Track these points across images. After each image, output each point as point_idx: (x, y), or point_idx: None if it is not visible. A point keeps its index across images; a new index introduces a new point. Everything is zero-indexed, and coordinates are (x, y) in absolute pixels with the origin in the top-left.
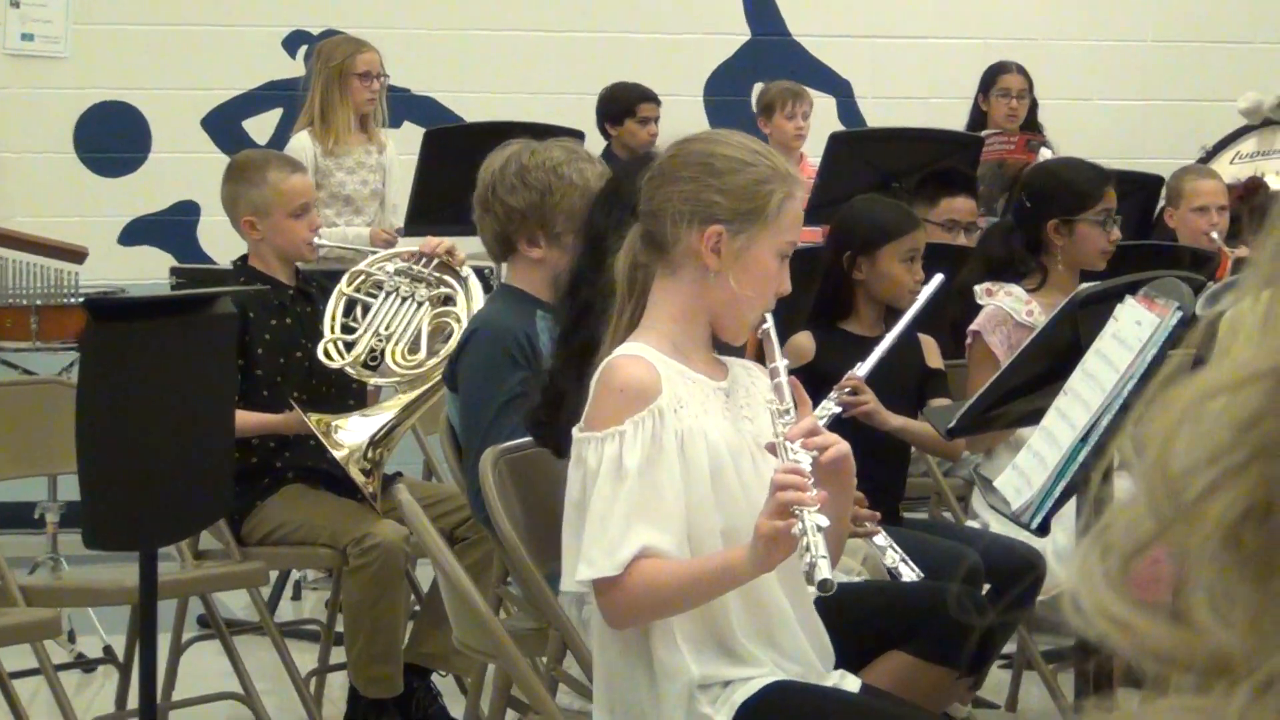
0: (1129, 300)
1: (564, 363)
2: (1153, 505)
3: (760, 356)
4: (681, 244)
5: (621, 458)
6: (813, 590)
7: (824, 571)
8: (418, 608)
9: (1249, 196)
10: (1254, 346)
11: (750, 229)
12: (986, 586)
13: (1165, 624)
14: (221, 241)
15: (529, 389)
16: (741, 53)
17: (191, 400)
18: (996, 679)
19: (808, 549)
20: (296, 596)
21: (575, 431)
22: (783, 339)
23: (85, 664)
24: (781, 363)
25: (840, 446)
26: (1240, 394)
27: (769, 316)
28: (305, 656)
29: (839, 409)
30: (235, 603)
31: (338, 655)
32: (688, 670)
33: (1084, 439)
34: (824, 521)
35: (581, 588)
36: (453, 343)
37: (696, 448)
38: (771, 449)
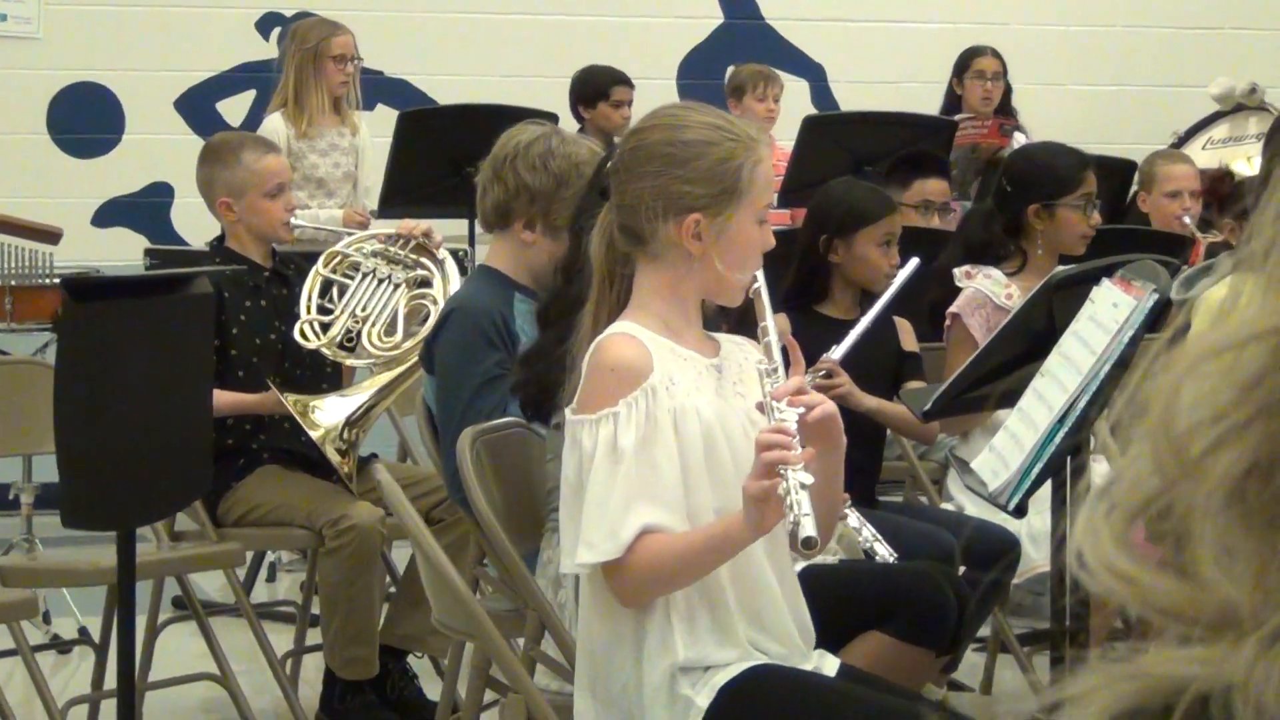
0: (1105, 283)
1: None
2: (1157, 462)
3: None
4: (660, 237)
5: (617, 438)
6: (796, 556)
7: (807, 529)
8: (393, 589)
9: (1216, 187)
10: (1256, 306)
11: (727, 208)
12: (962, 569)
13: (1171, 579)
14: (195, 223)
15: (506, 370)
16: (714, 36)
17: (170, 380)
18: (970, 662)
19: (791, 507)
20: (271, 578)
21: (568, 413)
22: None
23: (61, 645)
24: (771, 322)
25: (826, 406)
26: (1243, 353)
27: (759, 275)
28: (280, 638)
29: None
30: (210, 584)
31: (313, 637)
32: (674, 651)
33: (1061, 420)
34: (807, 479)
35: (583, 570)
36: (429, 324)
37: (689, 425)
38: (761, 408)
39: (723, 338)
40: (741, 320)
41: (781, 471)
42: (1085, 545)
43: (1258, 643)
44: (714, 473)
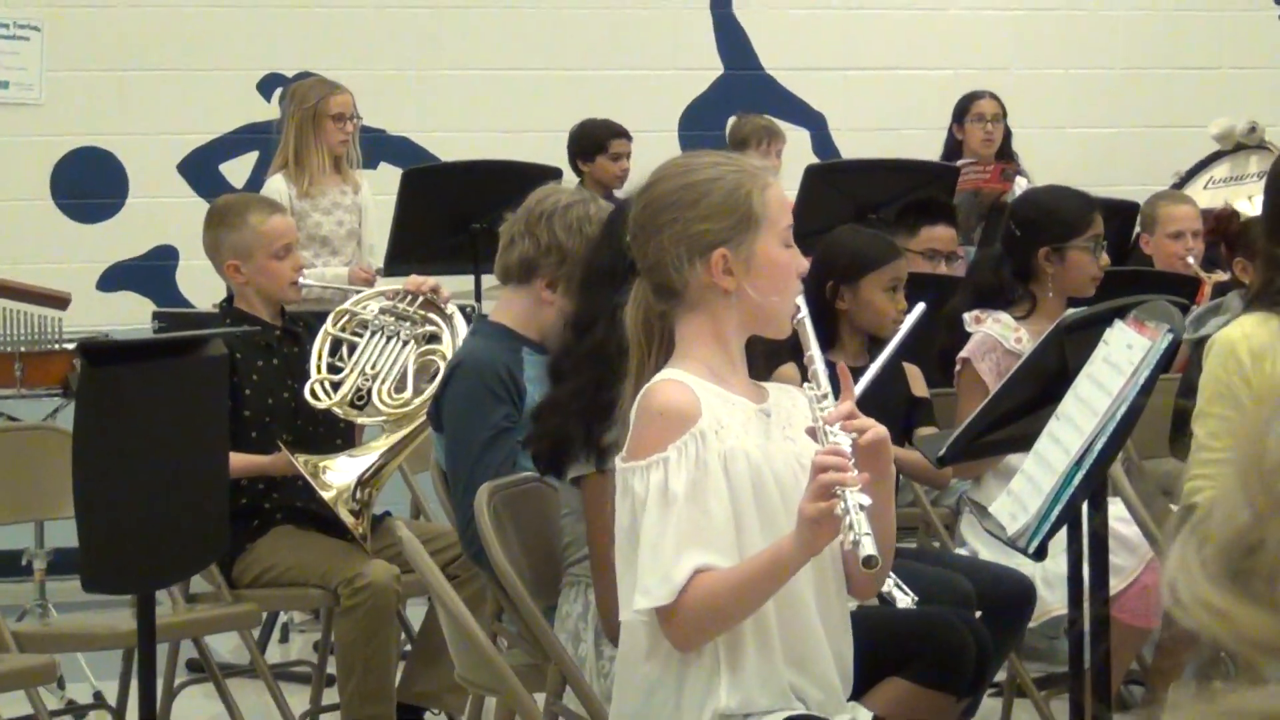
0: (1119, 324)
1: (566, 398)
2: (1248, 497)
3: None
4: (693, 283)
5: (668, 484)
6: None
7: (867, 547)
8: (408, 647)
9: (1222, 226)
10: None
11: (749, 236)
12: (978, 614)
13: (1266, 613)
14: (200, 285)
15: (513, 423)
16: (715, 87)
17: (186, 442)
18: (987, 706)
19: (850, 527)
20: (284, 639)
21: (618, 461)
22: (769, 371)
23: (77, 710)
24: (816, 350)
25: (878, 429)
26: None
27: (803, 305)
28: (296, 699)
29: None
30: (222, 646)
31: (330, 697)
32: (717, 698)
33: (1078, 463)
34: (866, 500)
35: (641, 617)
36: (432, 389)
37: (739, 468)
38: (812, 433)
39: (771, 386)
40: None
41: (839, 492)
42: (1179, 580)
43: None
44: (764, 515)
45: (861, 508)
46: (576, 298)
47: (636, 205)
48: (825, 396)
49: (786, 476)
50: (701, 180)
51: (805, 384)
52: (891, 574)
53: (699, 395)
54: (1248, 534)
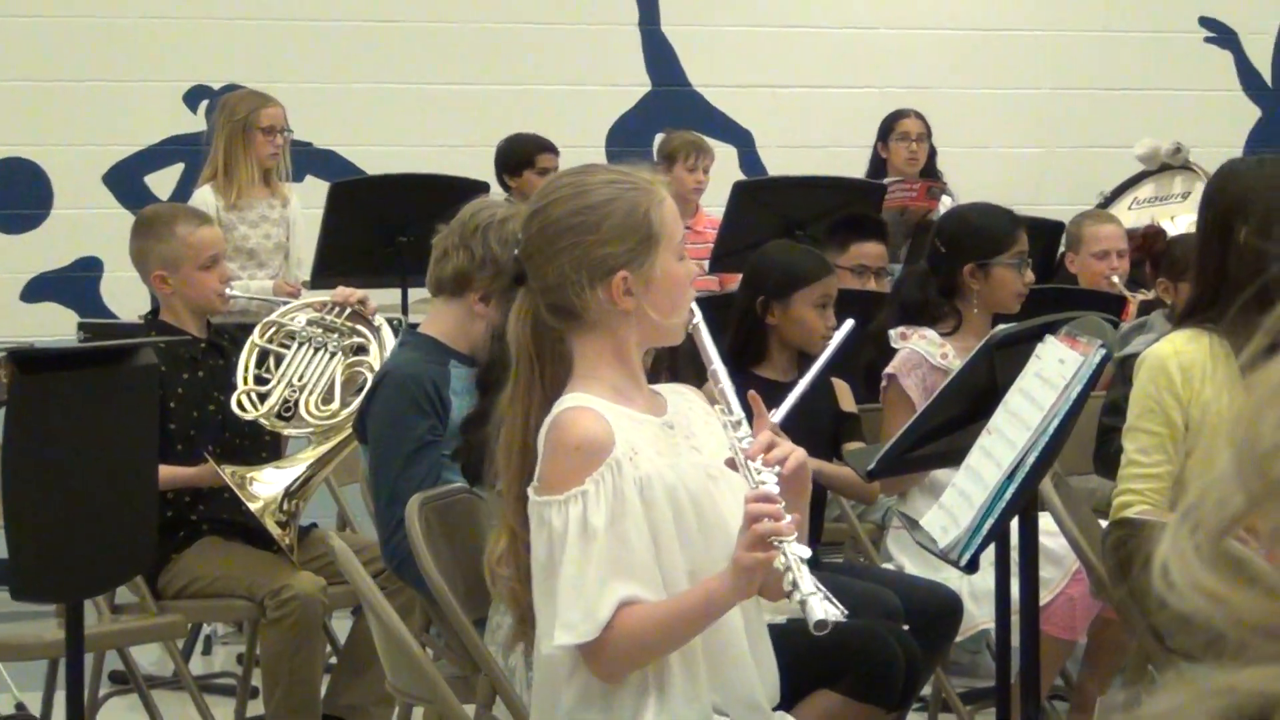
0: (1050, 340)
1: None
2: (1242, 482)
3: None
4: (593, 305)
5: (587, 517)
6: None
7: (817, 612)
8: (334, 659)
9: (1148, 245)
10: None
11: (648, 256)
12: (905, 627)
13: (1262, 596)
14: (125, 297)
15: (437, 437)
16: (642, 103)
17: (116, 451)
18: None
19: (795, 586)
20: (207, 651)
21: (532, 493)
22: (696, 378)
23: None
24: (719, 365)
25: (798, 455)
26: None
27: (696, 310)
28: (219, 711)
29: None
30: (144, 658)
31: (254, 709)
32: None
33: (1010, 477)
34: (805, 553)
35: (562, 651)
36: (359, 401)
37: (655, 493)
38: (731, 464)
39: (665, 389)
40: (675, 377)
41: (777, 544)
42: (1173, 564)
43: None
44: (682, 534)
45: (803, 561)
46: (504, 310)
47: (531, 226)
48: (740, 424)
49: (700, 492)
50: (599, 202)
51: (715, 406)
52: (822, 588)
53: (610, 421)
54: (1240, 518)
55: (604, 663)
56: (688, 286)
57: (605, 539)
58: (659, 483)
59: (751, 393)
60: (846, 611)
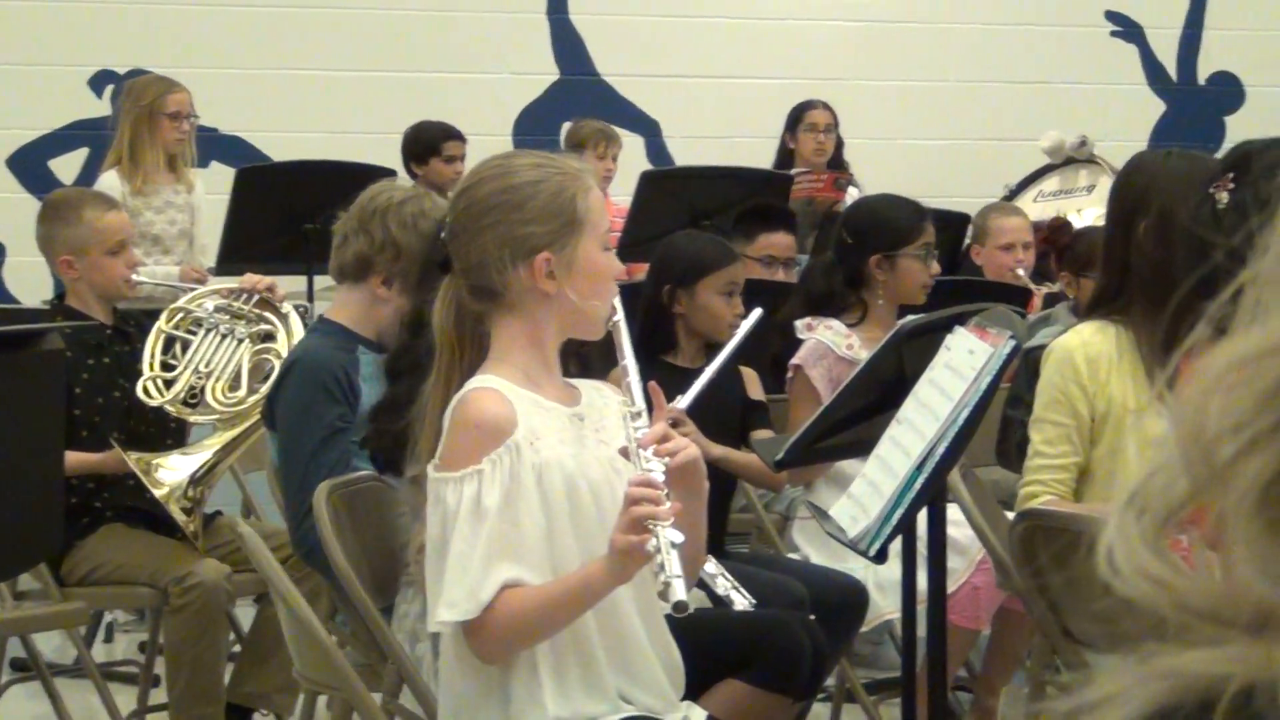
0: (960, 330)
1: (403, 397)
2: (1188, 467)
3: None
4: (514, 285)
5: (480, 497)
6: (665, 607)
7: (678, 593)
8: (237, 648)
9: (1055, 236)
10: (1274, 320)
11: (571, 239)
12: (810, 617)
13: (1205, 581)
14: (28, 282)
15: (348, 424)
16: (550, 92)
17: (22, 437)
18: (815, 713)
19: (662, 568)
20: (109, 639)
21: (431, 470)
22: (605, 372)
23: None
24: (631, 361)
25: (690, 450)
26: (1264, 363)
27: (618, 306)
28: (122, 699)
29: None
30: (44, 645)
31: (156, 697)
32: (543, 707)
33: (920, 467)
34: (678, 537)
35: (446, 629)
36: (266, 388)
37: (553, 480)
38: (624, 453)
39: (581, 384)
40: (585, 368)
41: (651, 527)
42: (1117, 549)
43: None
44: (578, 525)
45: (674, 545)
46: (413, 296)
47: (457, 205)
48: (639, 415)
49: (601, 483)
50: (525, 182)
51: (620, 402)
52: (730, 578)
53: (514, 404)
54: (1186, 503)
55: (484, 642)
56: (610, 278)
57: (496, 520)
58: (558, 470)
59: (652, 383)
60: (755, 601)
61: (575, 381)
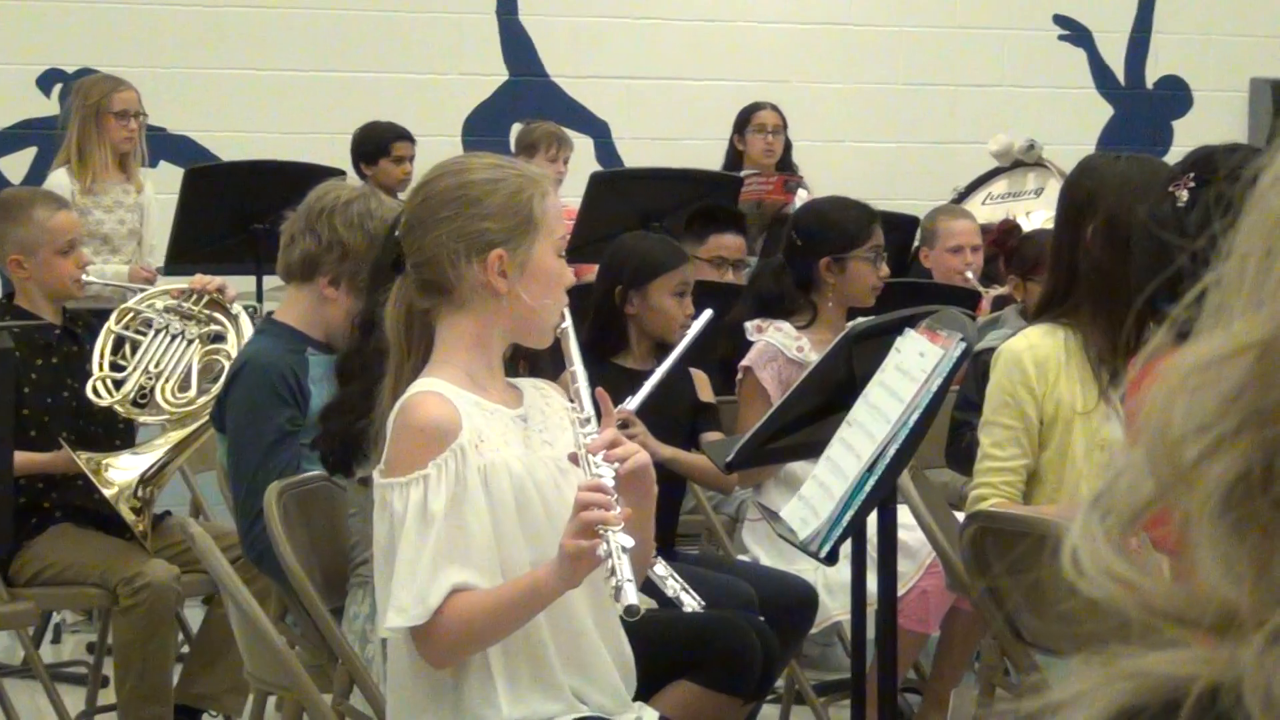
0: (910, 333)
1: (354, 398)
2: (1153, 469)
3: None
4: (466, 280)
5: (427, 502)
6: (618, 607)
7: (630, 597)
8: (186, 648)
9: (1004, 239)
10: (1245, 319)
11: (526, 240)
12: (760, 619)
13: (1170, 582)
14: None
15: (297, 427)
16: (499, 93)
17: None
18: (764, 715)
19: (613, 572)
20: (56, 639)
21: (376, 476)
22: (556, 374)
23: None
24: (580, 366)
25: (640, 456)
26: (1227, 366)
27: (567, 314)
28: (70, 699)
29: None
30: None
31: (105, 697)
32: (498, 709)
33: (870, 469)
34: (629, 542)
35: (395, 634)
36: (216, 389)
37: (500, 482)
38: (574, 459)
39: (524, 384)
40: (534, 371)
41: (601, 532)
42: (1082, 550)
43: (1262, 639)
44: (527, 527)
45: (625, 550)
46: (362, 297)
47: (414, 199)
48: (589, 421)
49: (548, 485)
50: (484, 180)
51: (570, 404)
52: (678, 579)
53: (458, 407)
54: (1151, 505)
55: (434, 647)
56: (562, 285)
57: (443, 524)
58: (504, 472)
59: (599, 390)
60: (703, 602)
61: (516, 381)
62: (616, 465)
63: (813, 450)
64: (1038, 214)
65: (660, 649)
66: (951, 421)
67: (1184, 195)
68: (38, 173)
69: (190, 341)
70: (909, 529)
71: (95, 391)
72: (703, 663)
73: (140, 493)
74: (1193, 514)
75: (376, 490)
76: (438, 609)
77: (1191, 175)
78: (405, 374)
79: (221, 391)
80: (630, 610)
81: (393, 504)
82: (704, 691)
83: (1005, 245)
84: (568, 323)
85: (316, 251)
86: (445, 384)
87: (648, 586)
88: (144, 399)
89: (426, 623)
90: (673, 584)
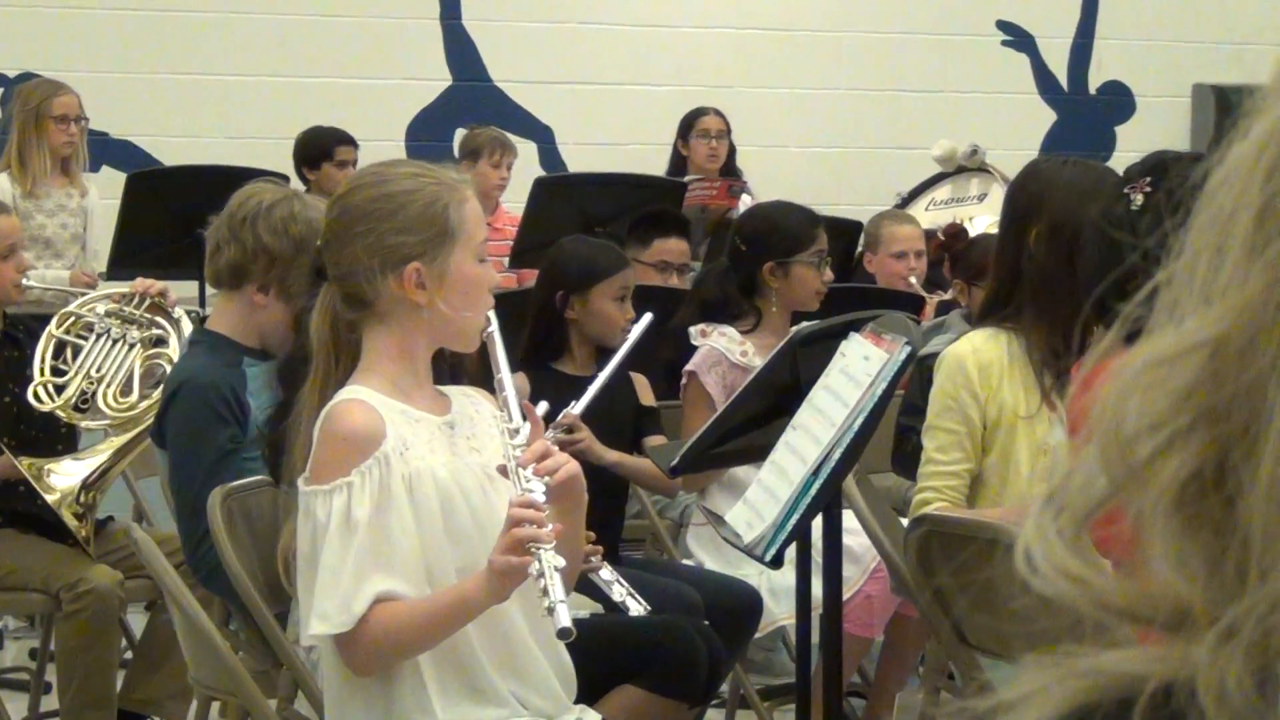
0: (855, 337)
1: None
2: (1105, 465)
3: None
4: (384, 294)
5: (350, 509)
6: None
7: (563, 619)
8: (129, 654)
9: (951, 242)
10: (1197, 317)
11: (443, 250)
12: (705, 623)
13: (1123, 580)
14: None
15: (238, 445)
16: (443, 98)
17: None
18: (709, 718)
19: (546, 592)
20: None
21: (300, 483)
22: (484, 383)
23: None
24: (507, 374)
25: (570, 467)
26: (1179, 364)
27: (493, 318)
28: (13, 706)
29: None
30: None
31: (48, 703)
32: (432, 714)
33: (815, 472)
34: (561, 562)
35: (318, 642)
36: (158, 394)
37: (425, 489)
38: (503, 471)
39: (452, 391)
40: (456, 379)
41: (533, 550)
42: (1035, 548)
43: (1215, 637)
44: (453, 533)
45: (557, 570)
46: (297, 301)
47: (331, 212)
48: (517, 431)
49: (475, 492)
50: (398, 191)
51: (496, 417)
52: (625, 584)
53: (383, 415)
54: (1104, 502)
55: (356, 655)
56: (485, 289)
57: (367, 532)
58: (430, 479)
59: (525, 402)
60: (649, 607)
61: (446, 389)
62: (547, 479)
63: (757, 455)
64: (981, 219)
65: (606, 653)
66: (896, 426)
67: (1139, 199)
68: None
69: (132, 346)
70: (853, 534)
71: (36, 396)
72: (648, 667)
73: (83, 498)
74: (1145, 512)
75: (301, 498)
76: (362, 618)
77: (1148, 180)
78: (331, 382)
79: (160, 409)
80: (563, 633)
81: (315, 511)
82: (649, 696)
83: (953, 248)
84: (494, 327)
85: (242, 259)
86: (370, 392)
87: (594, 590)
88: (86, 404)
89: (351, 631)
90: (619, 589)
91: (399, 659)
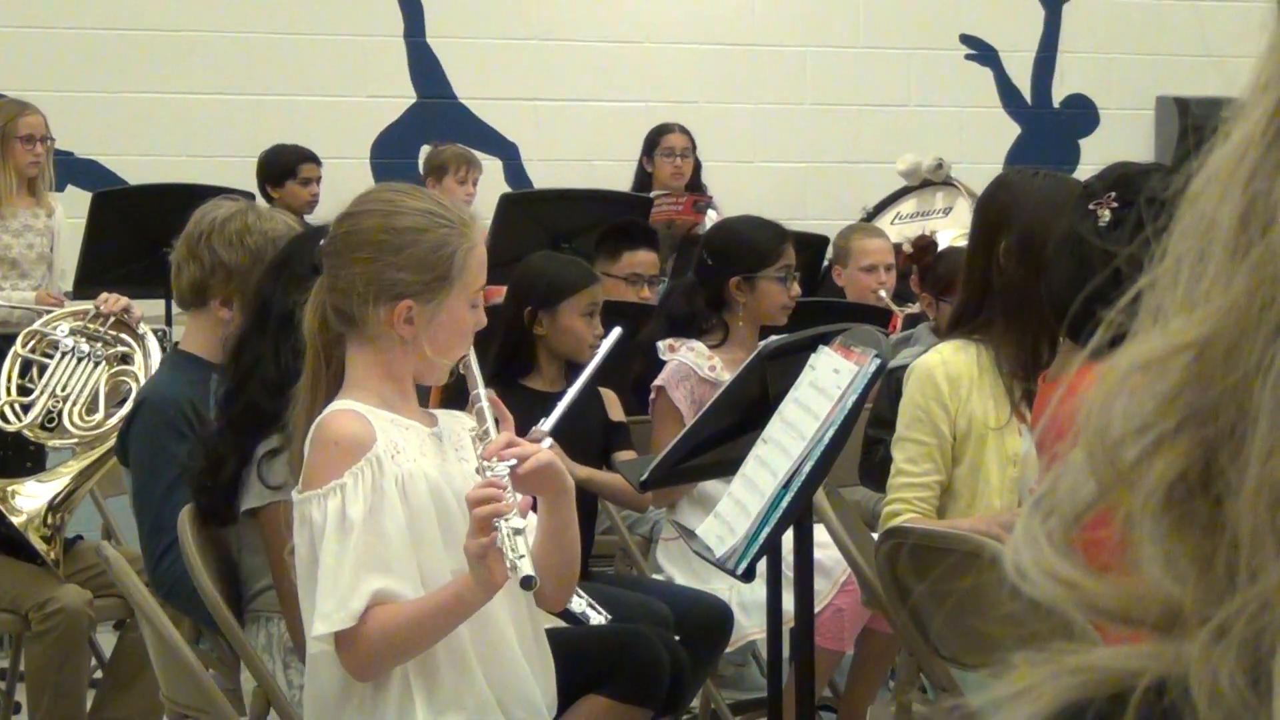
0: (824, 350)
1: (225, 426)
2: (1093, 468)
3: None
4: (372, 321)
5: (345, 510)
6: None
7: (524, 569)
8: (99, 674)
9: (920, 255)
10: (1181, 319)
11: (439, 294)
12: (675, 638)
13: (1113, 582)
14: None
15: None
16: (408, 115)
17: None
18: None
19: (506, 552)
20: None
21: (294, 494)
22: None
23: None
24: (482, 389)
25: (541, 455)
26: (1165, 366)
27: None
28: None
29: None
30: None
31: None
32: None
33: (786, 485)
34: (520, 523)
35: (321, 645)
36: (124, 411)
37: (418, 489)
38: (479, 473)
39: (439, 412)
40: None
41: (496, 524)
42: (1025, 552)
43: (1207, 635)
44: (447, 534)
45: (516, 532)
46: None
47: (339, 227)
48: (486, 434)
49: (465, 493)
50: (407, 228)
51: (469, 429)
52: (584, 595)
53: (373, 422)
54: (1092, 505)
55: (356, 657)
56: (469, 333)
57: (362, 532)
58: (422, 480)
59: (492, 395)
60: (610, 616)
61: (432, 411)
62: (513, 462)
63: (727, 469)
64: (946, 233)
65: (570, 664)
66: (865, 439)
67: (1106, 215)
68: None
69: (97, 363)
70: (823, 547)
71: (3, 416)
72: (611, 675)
73: (50, 519)
74: (1134, 514)
75: (296, 508)
76: (361, 618)
77: (1113, 195)
78: (320, 384)
79: (123, 427)
80: (526, 582)
81: (311, 515)
82: (614, 704)
83: (921, 261)
84: (470, 355)
85: (202, 276)
86: (359, 404)
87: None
88: (52, 423)
89: (350, 631)
90: (578, 600)
91: (398, 660)
